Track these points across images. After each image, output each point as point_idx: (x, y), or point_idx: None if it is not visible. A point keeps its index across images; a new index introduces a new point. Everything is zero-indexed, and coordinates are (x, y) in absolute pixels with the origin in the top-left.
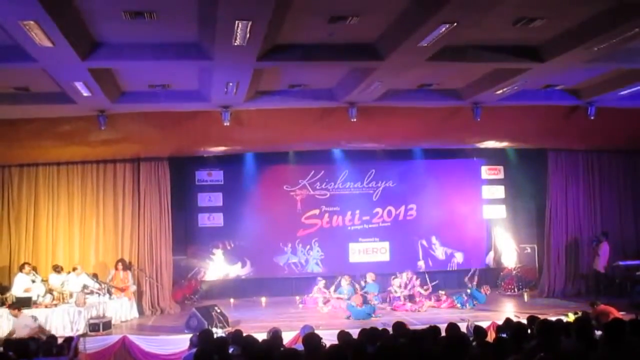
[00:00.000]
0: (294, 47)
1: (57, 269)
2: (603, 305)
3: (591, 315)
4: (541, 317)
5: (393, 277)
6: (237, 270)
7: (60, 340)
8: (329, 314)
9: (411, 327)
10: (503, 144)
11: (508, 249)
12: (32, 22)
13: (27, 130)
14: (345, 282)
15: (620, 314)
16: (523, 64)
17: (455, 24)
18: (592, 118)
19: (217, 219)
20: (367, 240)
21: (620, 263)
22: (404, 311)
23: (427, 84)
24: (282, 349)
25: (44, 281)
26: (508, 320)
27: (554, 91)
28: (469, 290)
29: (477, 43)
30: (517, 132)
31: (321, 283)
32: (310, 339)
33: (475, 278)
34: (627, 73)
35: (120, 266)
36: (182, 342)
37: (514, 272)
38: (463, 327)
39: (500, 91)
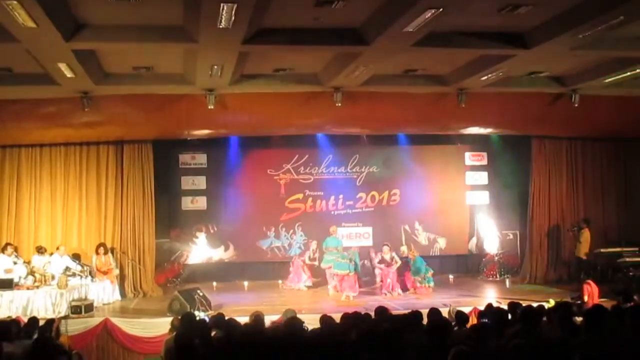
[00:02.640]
0: (280, 30)
1: (41, 250)
2: (593, 281)
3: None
4: (522, 303)
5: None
6: (220, 254)
7: (41, 322)
8: (312, 296)
9: (393, 312)
10: (487, 130)
11: (490, 235)
12: (15, 2)
13: (9, 112)
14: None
15: (598, 300)
16: (508, 50)
17: (440, 10)
18: (576, 105)
19: (201, 203)
20: (350, 225)
21: (602, 250)
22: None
23: (412, 69)
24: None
25: (26, 263)
26: (490, 306)
27: (539, 78)
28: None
29: (462, 29)
30: (502, 118)
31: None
32: (293, 323)
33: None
34: (612, 61)
35: (101, 251)
36: (164, 325)
37: (496, 258)
38: (445, 312)
39: (485, 77)
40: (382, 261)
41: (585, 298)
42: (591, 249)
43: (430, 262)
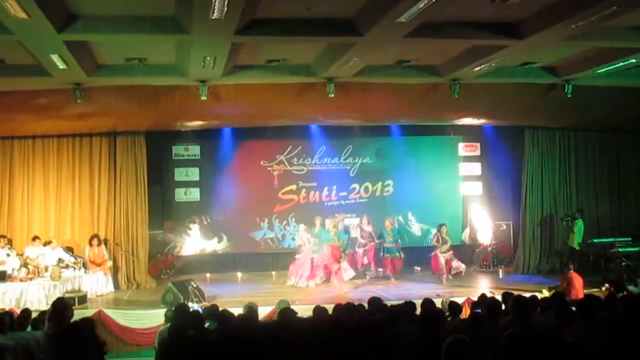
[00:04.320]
0: (272, 21)
1: (35, 240)
2: (575, 272)
3: (561, 281)
4: (515, 293)
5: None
6: (213, 245)
7: (35, 314)
8: (312, 289)
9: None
10: (480, 121)
11: (484, 226)
12: None
13: (2, 103)
14: (331, 225)
15: (582, 291)
16: (501, 41)
17: (434, 0)
18: (569, 96)
19: (194, 194)
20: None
21: (595, 240)
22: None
23: (405, 60)
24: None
25: (19, 255)
26: (483, 296)
27: (532, 68)
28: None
29: (455, 20)
30: (495, 109)
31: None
32: (286, 314)
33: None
34: (605, 51)
35: (94, 242)
36: (157, 316)
37: (489, 248)
38: (438, 303)
39: (478, 68)
40: (361, 233)
41: (559, 289)
42: (584, 239)
43: (423, 253)
